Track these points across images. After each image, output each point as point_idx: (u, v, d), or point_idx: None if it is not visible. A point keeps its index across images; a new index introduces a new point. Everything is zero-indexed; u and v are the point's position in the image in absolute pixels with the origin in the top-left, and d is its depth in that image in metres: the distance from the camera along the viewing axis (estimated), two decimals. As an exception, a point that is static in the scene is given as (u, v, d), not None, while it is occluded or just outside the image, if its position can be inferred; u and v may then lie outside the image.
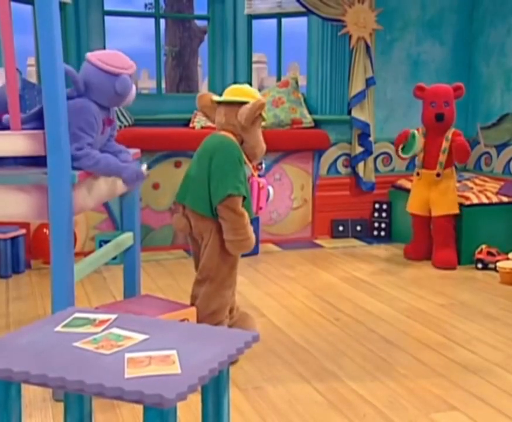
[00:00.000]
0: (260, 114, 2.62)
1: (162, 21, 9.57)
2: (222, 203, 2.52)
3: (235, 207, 2.53)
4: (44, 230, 4.18)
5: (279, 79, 5.28)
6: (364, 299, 3.50)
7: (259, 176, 2.78)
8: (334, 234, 4.99)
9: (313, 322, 3.15)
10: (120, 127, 4.69)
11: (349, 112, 4.96)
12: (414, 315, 3.25)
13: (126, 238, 2.81)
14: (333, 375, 2.54)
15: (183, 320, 2.42)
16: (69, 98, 2.31)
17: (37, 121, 2.26)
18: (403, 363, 2.66)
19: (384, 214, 4.99)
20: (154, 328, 1.61)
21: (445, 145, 4.14)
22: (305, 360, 2.68)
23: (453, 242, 4.16)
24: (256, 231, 4.44)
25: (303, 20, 5.10)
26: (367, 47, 4.91)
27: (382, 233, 4.99)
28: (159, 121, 4.97)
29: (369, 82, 4.91)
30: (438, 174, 4.13)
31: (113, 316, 1.68)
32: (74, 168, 2.26)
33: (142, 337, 1.55)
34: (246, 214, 2.57)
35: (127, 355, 1.43)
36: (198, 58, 9.47)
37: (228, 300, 2.68)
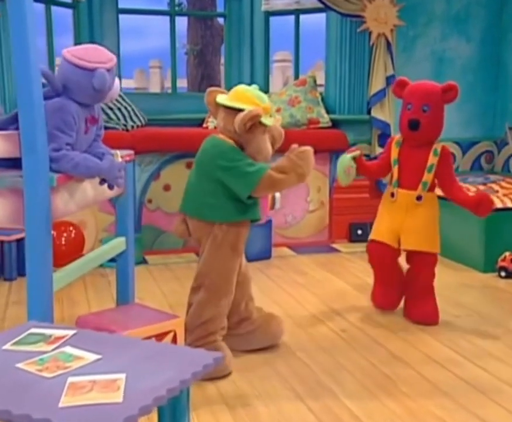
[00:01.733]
0: (259, 122, 2.46)
1: (184, 19, 9.55)
2: (258, 189, 2.42)
3: (270, 183, 2.42)
4: (52, 232, 4.10)
5: (296, 77, 5.12)
6: (375, 309, 3.31)
7: None
8: (353, 238, 4.81)
9: (318, 333, 2.99)
10: (132, 127, 4.61)
11: (368, 112, 4.78)
12: (426, 326, 3.06)
13: (118, 243, 2.70)
14: (329, 392, 2.38)
15: (169, 332, 2.30)
16: (46, 98, 2.21)
17: (16, 123, 2.16)
18: (407, 380, 2.48)
19: (404, 218, 4.78)
20: (111, 347, 1.49)
21: (432, 160, 3.05)
22: (302, 374, 2.53)
23: (433, 292, 3.17)
24: (268, 235, 4.35)
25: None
26: (388, 43, 4.71)
27: (403, 237, 4.77)
28: (173, 120, 4.88)
29: (390, 80, 4.70)
30: (419, 197, 3.07)
31: (70, 332, 1.57)
32: (54, 171, 2.16)
33: (94, 357, 1.43)
34: (275, 172, 2.42)
35: (70, 379, 1.31)
36: (221, 57, 9.35)
37: (223, 310, 2.55)
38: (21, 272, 3.87)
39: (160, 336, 2.26)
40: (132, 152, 2.76)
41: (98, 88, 2.21)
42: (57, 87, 2.23)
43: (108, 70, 2.26)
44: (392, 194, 3.15)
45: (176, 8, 9.52)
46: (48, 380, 1.31)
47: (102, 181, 2.29)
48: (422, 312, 3.11)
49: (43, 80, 2.18)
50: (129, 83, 12.74)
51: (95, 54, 2.26)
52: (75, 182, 2.28)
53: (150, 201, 4.44)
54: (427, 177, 3.07)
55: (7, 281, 3.80)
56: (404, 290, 3.21)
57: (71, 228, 4.14)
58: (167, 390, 1.27)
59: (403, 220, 3.10)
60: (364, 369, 2.58)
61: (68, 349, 1.47)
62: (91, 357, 1.42)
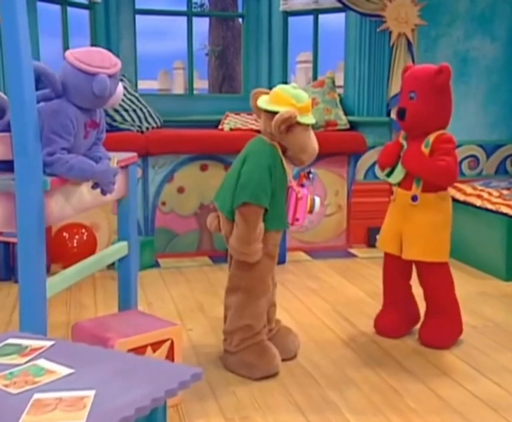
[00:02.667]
0: (297, 123, 2.41)
1: (206, 20, 9.50)
2: (239, 208, 2.42)
3: (248, 216, 2.40)
4: (64, 234, 4.09)
5: (315, 78, 5.03)
6: (388, 318, 3.20)
7: (302, 185, 2.58)
8: (371, 243, 4.68)
9: (326, 342, 2.89)
10: (147, 128, 4.56)
11: (388, 114, 4.65)
12: (440, 338, 2.94)
13: (119, 248, 2.64)
14: (332, 406, 2.28)
15: (166, 340, 2.22)
16: (47, 99, 2.16)
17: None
18: (415, 394, 2.37)
19: (425, 223, 4.65)
20: (86, 360, 1.42)
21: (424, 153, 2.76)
22: (306, 386, 2.44)
23: (446, 309, 2.85)
24: (283, 239, 4.25)
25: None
26: (409, 43, 4.58)
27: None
28: (190, 122, 4.82)
29: (411, 81, 4.58)
30: (414, 197, 2.77)
31: (48, 344, 1.50)
32: (48, 175, 2.11)
33: (66, 371, 1.36)
34: (259, 229, 2.42)
35: (35, 396, 1.24)
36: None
37: (263, 309, 2.55)
38: (32, 275, 3.85)
39: (156, 345, 2.19)
40: (134, 154, 2.68)
41: (97, 93, 2.14)
42: (57, 89, 2.17)
43: (110, 76, 2.18)
44: (392, 193, 2.91)
45: (198, 9, 9.52)
46: (12, 397, 1.24)
47: (95, 185, 2.22)
48: (430, 332, 2.83)
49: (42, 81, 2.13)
50: (153, 84, 12.76)
51: (98, 58, 2.18)
52: (71, 186, 2.21)
53: (163, 203, 4.38)
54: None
55: (17, 283, 3.77)
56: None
57: (83, 230, 4.11)
58: (136, 409, 1.19)
59: (403, 224, 2.83)
60: (372, 382, 2.48)
61: (42, 362, 1.40)
62: (64, 371, 1.36)
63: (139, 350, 2.14)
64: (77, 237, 4.09)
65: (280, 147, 2.47)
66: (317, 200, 2.58)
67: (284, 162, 2.47)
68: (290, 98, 2.43)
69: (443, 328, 2.83)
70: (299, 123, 2.41)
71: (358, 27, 4.61)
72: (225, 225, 2.53)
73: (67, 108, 2.14)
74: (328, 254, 4.49)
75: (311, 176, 2.59)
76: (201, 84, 10.21)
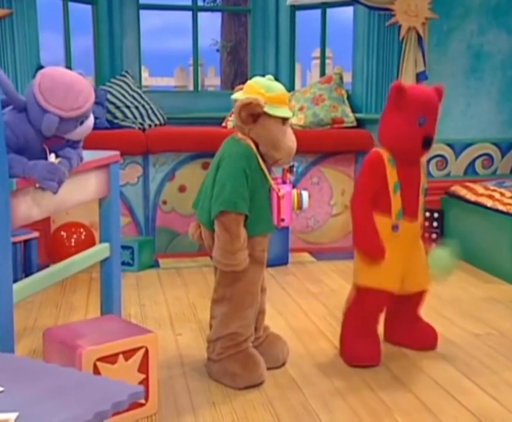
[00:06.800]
0: (265, 113, 2.26)
1: (219, 15, 9.41)
2: (217, 218, 2.28)
3: (228, 225, 2.26)
4: (62, 233, 4.03)
5: (323, 74, 4.89)
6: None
7: (284, 182, 2.45)
8: (379, 244, 4.53)
9: (319, 350, 2.76)
10: (150, 126, 4.48)
11: (397, 111, 4.49)
12: (440, 347, 2.77)
13: (101, 250, 2.55)
14: (314, 418, 2.15)
15: (139, 348, 2.12)
16: (5, 105, 2.06)
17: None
18: (406, 409, 2.23)
19: (435, 224, 4.49)
20: (21, 376, 1.32)
21: (424, 180, 2.63)
22: (290, 397, 2.31)
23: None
24: (286, 240, 4.14)
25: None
26: (419, 38, 4.42)
27: (433, 244, 4.48)
28: (196, 119, 4.73)
29: (420, 77, 4.41)
30: (420, 227, 2.68)
31: (-13, 356, 1.41)
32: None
33: (-5, 389, 1.27)
34: (242, 237, 2.28)
35: (-49, 417, 1.15)
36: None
37: (250, 321, 2.43)
38: (27, 273, 3.80)
39: (128, 353, 2.09)
40: (116, 153, 2.60)
41: (43, 130, 2.04)
42: (17, 103, 2.07)
43: (63, 119, 2.05)
44: (394, 228, 2.53)
45: (212, 4, 9.39)
46: None
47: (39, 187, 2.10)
48: (422, 337, 2.76)
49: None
50: (170, 81, 12.72)
51: (60, 96, 2.01)
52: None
53: (164, 202, 4.30)
54: (423, 201, 2.60)
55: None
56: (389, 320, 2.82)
57: (81, 229, 4.05)
58: (56, 436, 1.10)
59: (409, 259, 2.59)
60: (360, 393, 2.35)
61: (-27, 378, 1.31)
62: (-8, 388, 1.27)
63: (110, 359, 2.05)
64: (75, 236, 4.03)
65: (254, 143, 2.31)
66: (305, 194, 2.45)
67: (261, 160, 2.33)
68: (260, 87, 2.28)
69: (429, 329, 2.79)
70: (267, 115, 2.26)
71: (366, 22, 4.47)
72: (207, 237, 2.40)
73: (18, 124, 2.05)
74: (334, 256, 4.35)
75: (294, 169, 2.46)
76: (217, 81, 10.12)
